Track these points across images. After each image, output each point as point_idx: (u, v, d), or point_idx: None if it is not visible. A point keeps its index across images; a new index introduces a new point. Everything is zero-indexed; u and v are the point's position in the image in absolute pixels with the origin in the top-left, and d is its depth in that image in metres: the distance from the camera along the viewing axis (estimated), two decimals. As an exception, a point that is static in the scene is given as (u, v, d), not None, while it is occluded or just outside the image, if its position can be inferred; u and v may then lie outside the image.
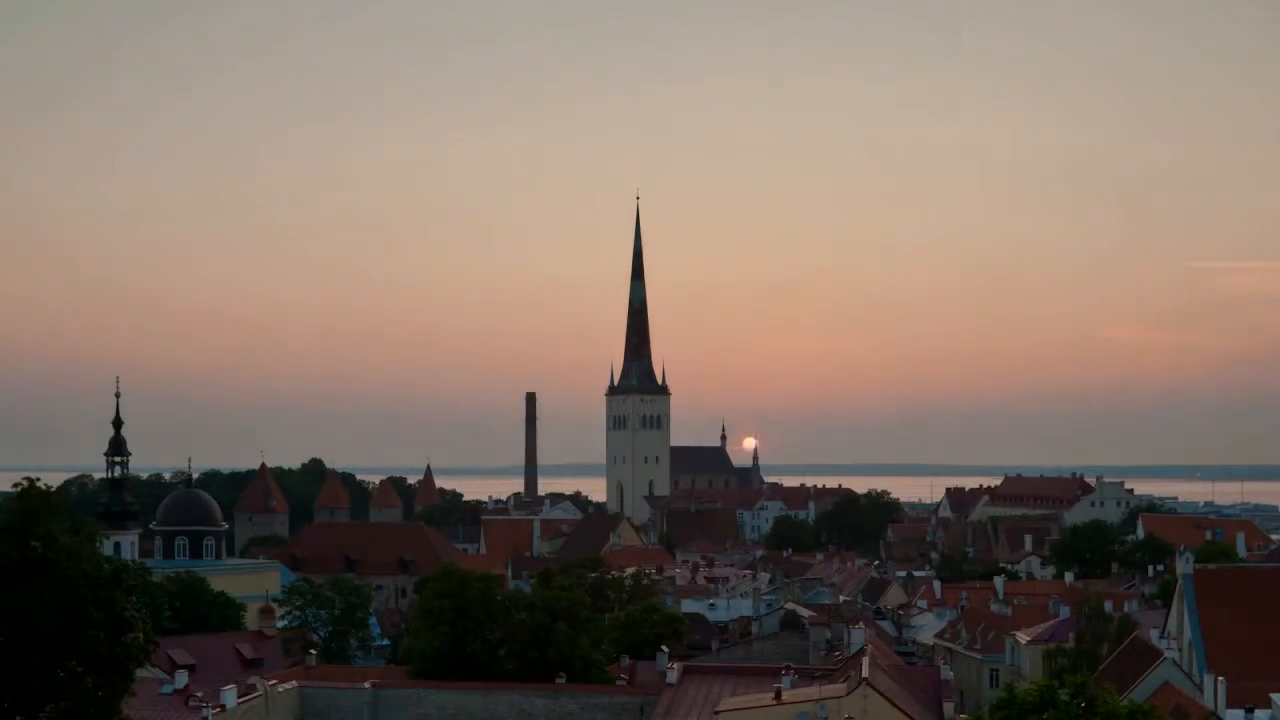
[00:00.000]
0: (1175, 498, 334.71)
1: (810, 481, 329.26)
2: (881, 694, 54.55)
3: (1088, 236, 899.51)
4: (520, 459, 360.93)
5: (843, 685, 56.26)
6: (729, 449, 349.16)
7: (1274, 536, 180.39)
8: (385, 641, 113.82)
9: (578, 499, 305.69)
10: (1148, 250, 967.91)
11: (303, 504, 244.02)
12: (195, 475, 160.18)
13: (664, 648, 75.15)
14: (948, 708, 61.27)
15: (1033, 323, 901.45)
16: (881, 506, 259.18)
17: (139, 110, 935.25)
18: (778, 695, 56.43)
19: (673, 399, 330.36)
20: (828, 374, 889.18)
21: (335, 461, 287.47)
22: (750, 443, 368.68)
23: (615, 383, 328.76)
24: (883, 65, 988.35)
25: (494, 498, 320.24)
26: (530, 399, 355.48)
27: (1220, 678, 60.29)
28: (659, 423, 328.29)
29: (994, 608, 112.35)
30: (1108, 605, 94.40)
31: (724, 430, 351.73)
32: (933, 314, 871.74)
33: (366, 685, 67.11)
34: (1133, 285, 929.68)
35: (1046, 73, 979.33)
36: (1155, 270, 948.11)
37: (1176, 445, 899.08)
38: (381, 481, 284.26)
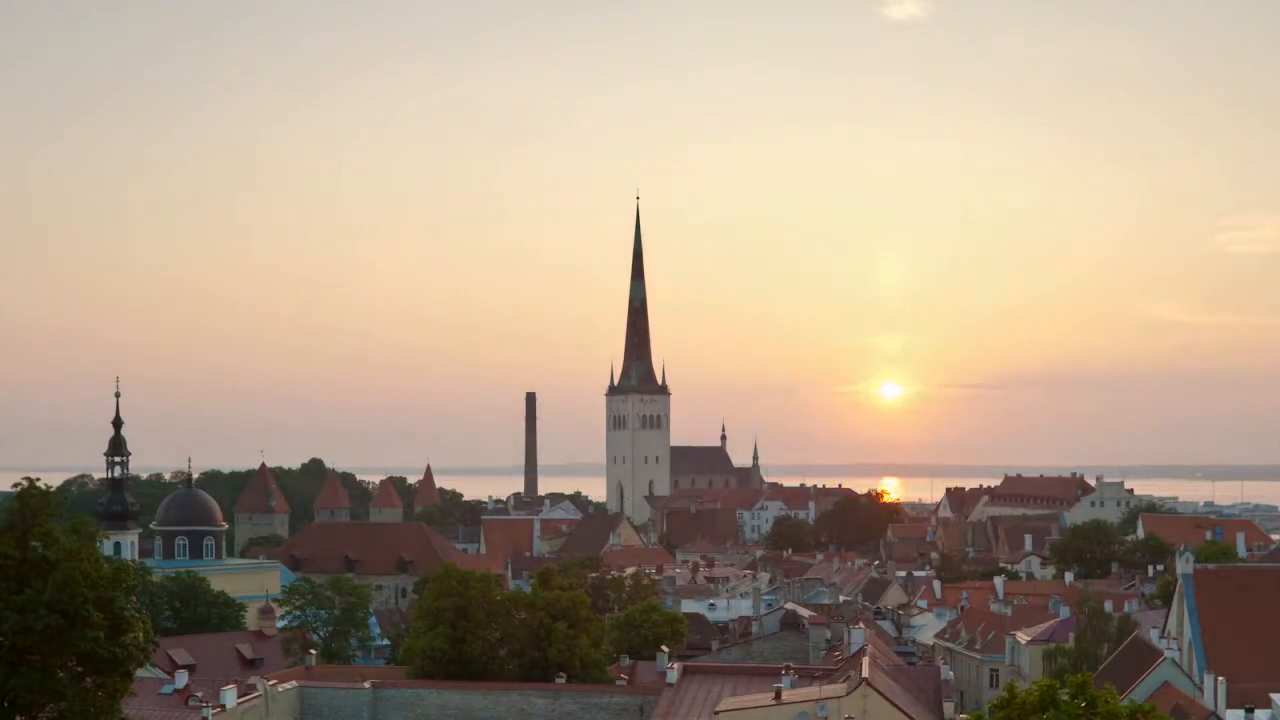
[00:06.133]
0: (1175, 498, 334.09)
1: (810, 481, 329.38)
2: (881, 694, 54.57)
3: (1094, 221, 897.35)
4: (520, 459, 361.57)
5: (843, 685, 56.29)
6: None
7: (1274, 536, 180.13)
8: (385, 641, 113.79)
9: (578, 499, 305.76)
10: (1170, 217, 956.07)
11: (303, 504, 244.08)
12: (195, 475, 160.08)
13: (664, 648, 75.19)
14: (948, 708, 61.33)
15: (1037, 317, 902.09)
16: (881, 506, 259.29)
17: (140, 110, 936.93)
18: (778, 695, 56.44)
19: (673, 399, 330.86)
20: (829, 372, 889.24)
21: (335, 461, 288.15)
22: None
23: (615, 383, 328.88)
24: (883, 62, 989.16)
25: (494, 498, 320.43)
26: (530, 399, 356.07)
27: (1220, 678, 60.22)
28: (659, 423, 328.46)
29: (994, 608, 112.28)
30: (1108, 605, 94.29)
31: (724, 430, 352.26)
32: (933, 312, 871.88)
33: (366, 685, 67.20)
34: (1157, 256, 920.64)
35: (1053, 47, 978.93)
36: (1180, 239, 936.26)
37: (1176, 445, 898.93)
38: (381, 481, 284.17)
